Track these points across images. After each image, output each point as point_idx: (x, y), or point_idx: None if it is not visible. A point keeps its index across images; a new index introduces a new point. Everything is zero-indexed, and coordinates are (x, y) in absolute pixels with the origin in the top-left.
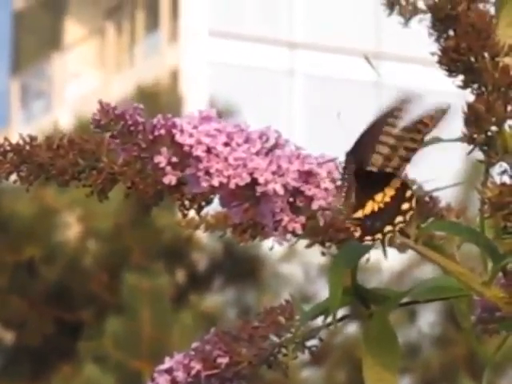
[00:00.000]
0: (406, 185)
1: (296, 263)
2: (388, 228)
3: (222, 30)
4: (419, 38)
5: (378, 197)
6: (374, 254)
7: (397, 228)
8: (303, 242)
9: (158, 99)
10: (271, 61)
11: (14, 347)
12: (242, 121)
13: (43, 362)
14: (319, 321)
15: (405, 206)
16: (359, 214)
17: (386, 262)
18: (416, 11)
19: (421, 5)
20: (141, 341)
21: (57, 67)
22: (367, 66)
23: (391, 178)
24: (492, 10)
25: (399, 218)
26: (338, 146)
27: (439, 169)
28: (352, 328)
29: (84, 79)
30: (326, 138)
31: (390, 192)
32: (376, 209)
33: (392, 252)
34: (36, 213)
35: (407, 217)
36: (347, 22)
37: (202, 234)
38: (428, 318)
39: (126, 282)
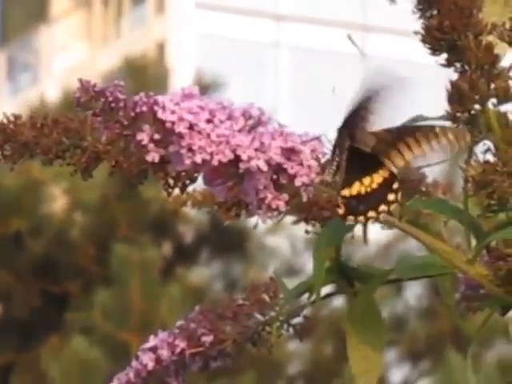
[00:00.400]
0: (394, 176)
1: (282, 236)
2: (371, 213)
3: (208, 2)
4: (405, 10)
5: (366, 180)
6: (360, 228)
7: (380, 216)
8: (290, 217)
9: (145, 71)
10: (257, 33)
11: (1, 319)
12: (227, 96)
13: (30, 334)
14: (304, 298)
15: (391, 196)
16: (346, 192)
17: (372, 234)
18: None
19: None
20: (129, 312)
21: (44, 39)
22: (352, 44)
23: (381, 164)
24: None
25: (383, 207)
26: (324, 117)
27: None
28: (338, 302)
29: (71, 51)
30: (312, 110)
31: (377, 179)
32: (362, 192)
33: (378, 225)
34: (22, 185)
35: (391, 207)
36: None
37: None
38: (415, 291)
39: (114, 253)
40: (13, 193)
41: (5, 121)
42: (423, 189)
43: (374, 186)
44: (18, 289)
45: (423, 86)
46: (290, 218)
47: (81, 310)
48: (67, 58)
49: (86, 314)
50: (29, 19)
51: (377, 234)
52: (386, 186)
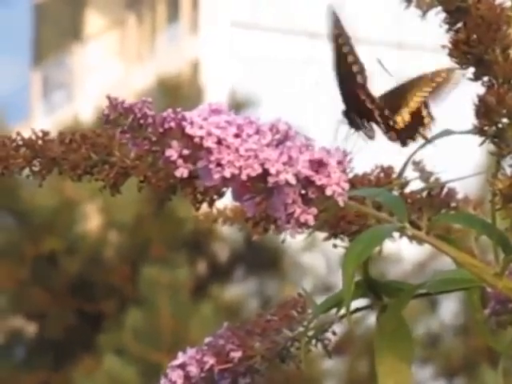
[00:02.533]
0: (418, 107)
1: (317, 253)
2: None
3: (242, 21)
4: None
5: (398, 118)
6: (395, 245)
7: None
8: (323, 233)
9: (179, 90)
10: (291, 51)
11: (36, 339)
12: (260, 114)
13: (65, 354)
14: (334, 313)
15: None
16: (399, 120)
17: (407, 253)
18: (433, 4)
19: None
20: (160, 333)
21: (78, 59)
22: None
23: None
24: (507, 3)
25: (423, 130)
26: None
27: (460, 160)
28: (373, 319)
29: (105, 70)
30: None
31: (406, 115)
32: (402, 126)
33: (412, 243)
34: (56, 205)
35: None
36: (364, 12)
37: (222, 226)
38: (450, 308)
39: (144, 274)
40: (47, 212)
41: (33, 137)
42: (454, 204)
43: (407, 119)
44: (52, 308)
45: (448, 101)
46: (322, 235)
47: (113, 330)
48: (101, 77)
49: (118, 334)
50: (63, 38)
51: (412, 251)
52: (417, 115)
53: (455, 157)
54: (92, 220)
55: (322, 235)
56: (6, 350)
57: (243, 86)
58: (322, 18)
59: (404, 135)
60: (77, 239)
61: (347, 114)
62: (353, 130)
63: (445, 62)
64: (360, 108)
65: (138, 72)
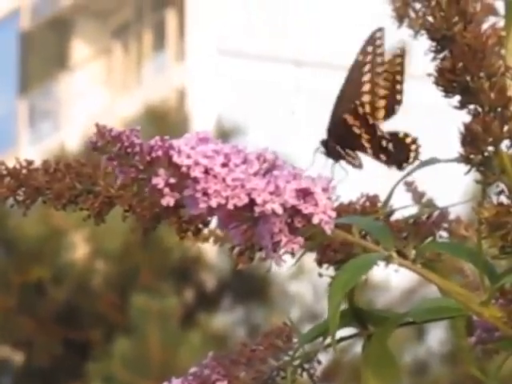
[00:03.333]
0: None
1: (304, 281)
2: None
3: (228, 49)
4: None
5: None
6: (383, 272)
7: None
8: (310, 261)
9: (166, 118)
10: (278, 78)
11: (23, 367)
12: (248, 141)
13: (52, 383)
14: (319, 342)
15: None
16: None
17: (395, 280)
18: (425, 24)
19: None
20: (149, 362)
21: (64, 87)
22: None
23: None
24: (495, 31)
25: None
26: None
27: (449, 185)
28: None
29: (91, 99)
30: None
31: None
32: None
33: (400, 271)
34: (43, 233)
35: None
36: (352, 41)
37: (210, 254)
38: (437, 335)
39: (133, 302)
40: (34, 241)
41: (17, 166)
42: (446, 225)
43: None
44: (39, 336)
45: (434, 129)
46: (309, 264)
47: (101, 358)
48: (88, 105)
49: (107, 362)
50: (49, 67)
51: (401, 279)
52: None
53: (443, 183)
54: (79, 248)
55: (309, 263)
56: None
57: (230, 113)
58: (308, 47)
59: (396, 157)
60: (64, 267)
61: (326, 143)
62: (330, 160)
63: (429, 89)
64: (345, 135)
65: (125, 100)
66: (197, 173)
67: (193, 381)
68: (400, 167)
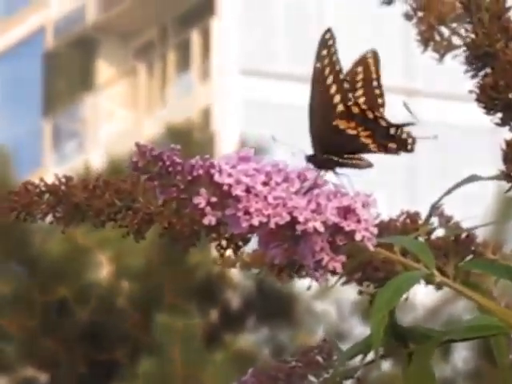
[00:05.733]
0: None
1: (329, 301)
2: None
3: (252, 69)
4: (454, 75)
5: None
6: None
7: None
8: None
9: (190, 138)
10: (302, 98)
11: None
12: (279, 160)
13: None
14: (356, 360)
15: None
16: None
17: (419, 298)
18: (451, 47)
19: (455, 41)
20: (173, 381)
21: (89, 108)
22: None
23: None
24: None
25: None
26: (369, 179)
27: (470, 203)
28: (386, 365)
29: (116, 120)
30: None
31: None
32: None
33: (425, 288)
34: (67, 252)
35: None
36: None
37: (234, 273)
38: (462, 354)
39: (157, 322)
40: (58, 260)
41: (56, 182)
42: (473, 248)
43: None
44: (64, 357)
45: (474, 149)
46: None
47: (126, 378)
48: (112, 126)
49: (131, 383)
50: (73, 87)
51: (424, 298)
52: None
53: (463, 206)
54: (103, 268)
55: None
56: None
57: (254, 132)
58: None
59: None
60: (88, 287)
61: (313, 157)
62: (322, 171)
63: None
64: (340, 142)
65: (150, 121)
66: (238, 191)
67: None
68: (407, 150)
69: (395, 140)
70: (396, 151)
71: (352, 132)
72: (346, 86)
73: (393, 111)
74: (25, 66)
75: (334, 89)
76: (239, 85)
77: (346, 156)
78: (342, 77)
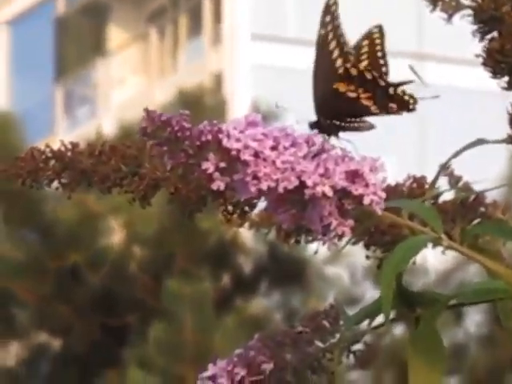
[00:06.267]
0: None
1: (341, 265)
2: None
3: (263, 33)
4: (460, 38)
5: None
6: (419, 255)
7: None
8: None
9: (202, 103)
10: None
11: (60, 354)
12: (288, 125)
13: (89, 368)
14: (364, 325)
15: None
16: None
17: (430, 263)
18: (459, 7)
19: (464, 0)
20: (184, 346)
21: (100, 73)
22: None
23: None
24: None
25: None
26: (378, 143)
27: (482, 168)
28: (398, 330)
29: (128, 85)
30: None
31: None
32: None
33: (437, 253)
34: (79, 218)
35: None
36: (388, 24)
37: (246, 238)
38: (474, 318)
39: (167, 287)
40: (70, 226)
41: (62, 148)
42: (482, 209)
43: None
44: (76, 323)
45: (481, 112)
46: (347, 247)
47: (138, 343)
48: (124, 91)
49: (143, 347)
50: (85, 53)
51: (435, 262)
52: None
53: (475, 163)
54: (115, 233)
55: (347, 246)
56: (31, 366)
57: (265, 97)
58: (343, 31)
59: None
60: (100, 253)
61: (317, 123)
62: (327, 136)
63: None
64: (341, 105)
65: (161, 86)
66: (247, 156)
67: (238, 362)
68: (409, 109)
69: (395, 100)
70: (397, 111)
71: (352, 95)
72: (348, 49)
73: (405, 76)
74: (36, 32)
75: (336, 53)
76: (251, 50)
77: (348, 120)
78: (343, 40)
